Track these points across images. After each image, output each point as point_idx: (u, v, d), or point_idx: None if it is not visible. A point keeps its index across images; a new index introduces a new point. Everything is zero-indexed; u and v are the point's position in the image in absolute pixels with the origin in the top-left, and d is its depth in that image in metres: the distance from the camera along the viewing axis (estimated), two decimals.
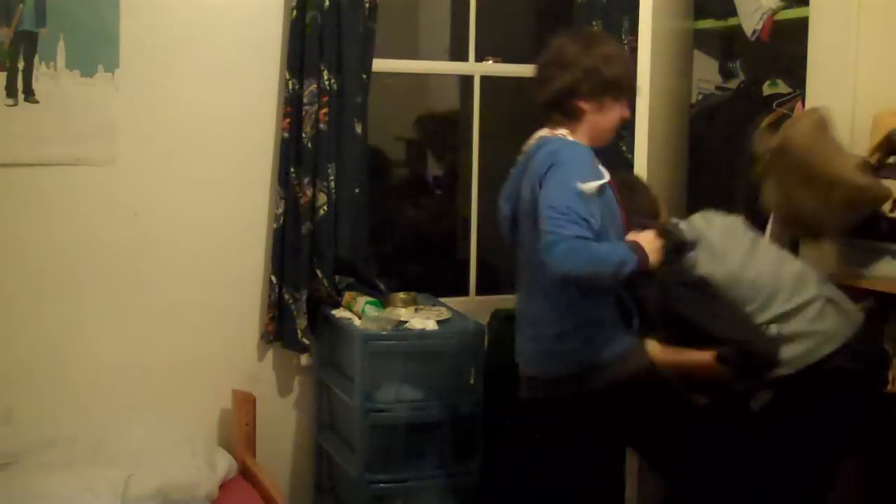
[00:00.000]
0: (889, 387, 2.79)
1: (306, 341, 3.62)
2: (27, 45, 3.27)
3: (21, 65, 3.27)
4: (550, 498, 2.67)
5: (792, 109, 3.46)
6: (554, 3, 4.33)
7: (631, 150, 3.54)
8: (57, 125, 3.33)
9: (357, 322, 3.43)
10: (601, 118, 2.65)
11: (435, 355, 3.38)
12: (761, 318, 2.66)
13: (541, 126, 2.69)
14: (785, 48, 3.57)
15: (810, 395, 2.65)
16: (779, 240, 3.35)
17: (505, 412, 3.03)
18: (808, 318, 2.66)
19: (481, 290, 4.09)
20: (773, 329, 2.63)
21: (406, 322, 3.39)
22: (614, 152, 3.87)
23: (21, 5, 3.25)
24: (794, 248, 3.30)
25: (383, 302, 3.56)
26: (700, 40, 3.92)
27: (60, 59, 3.31)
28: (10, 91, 3.27)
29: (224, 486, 3.27)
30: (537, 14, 4.81)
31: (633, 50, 3.62)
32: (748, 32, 3.51)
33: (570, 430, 2.60)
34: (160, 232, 3.52)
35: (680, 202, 3.77)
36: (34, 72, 3.28)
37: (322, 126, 3.53)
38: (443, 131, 5.09)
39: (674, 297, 2.63)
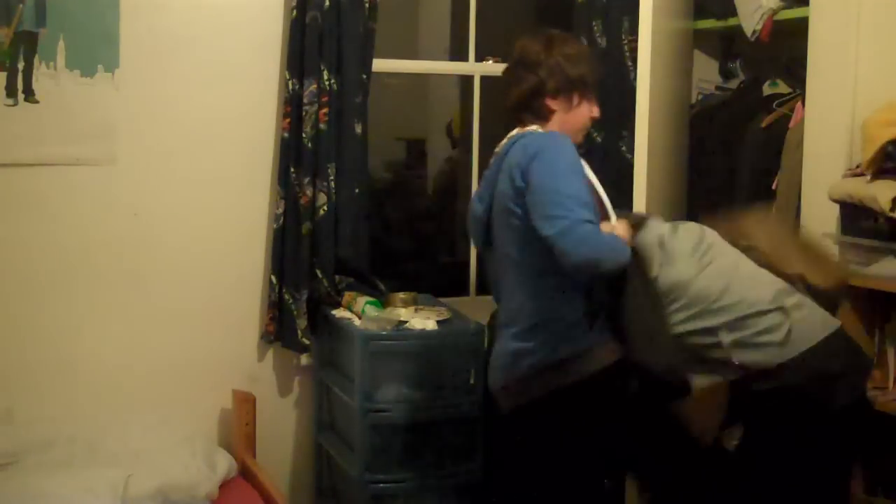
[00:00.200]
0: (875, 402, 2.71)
1: (306, 341, 3.62)
2: (27, 45, 3.27)
3: (21, 65, 3.27)
4: (550, 497, 2.66)
5: (792, 109, 3.46)
6: (554, 3, 4.33)
7: (631, 150, 3.54)
8: (57, 125, 3.33)
9: (357, 322, 3.43)
10: (570, 116, 2.66)
11: (435, 355, 3.38)
12: (711, 321, 2.55)
13: (511, 128, 2.69)
14: (785, 48, 3.57)
15: (781, 426, 2.53)
16: None
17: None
18: (761, 327, 2.54)
19: (481, 290, 4.09)
20: (724, 336, 2.54)
21: (406, 322, 3.39)
22: (614, 152, 3.88)
23: (21, 5, 3.25)
24: None
25: (383, 302, 3.56)
26: (700, 40, 3.92)
27: (60, 59, 3.31)
28: (10, 91, 3.27)
29: (224, 486, 3.27)
30: (537, 14, 4.81)
31: (633, 50, 3.63)
32: (748, 32, 3.51)
33: (554, 433, 2.58)
34: (160, 232, 3.52)
35: (680, 202, 3.77)
36: (34, 72, 3.28)
37: (322, 126, 3.53)
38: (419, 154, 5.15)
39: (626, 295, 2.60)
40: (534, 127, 2.62)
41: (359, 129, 3.61)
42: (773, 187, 3.42)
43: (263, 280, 3.65)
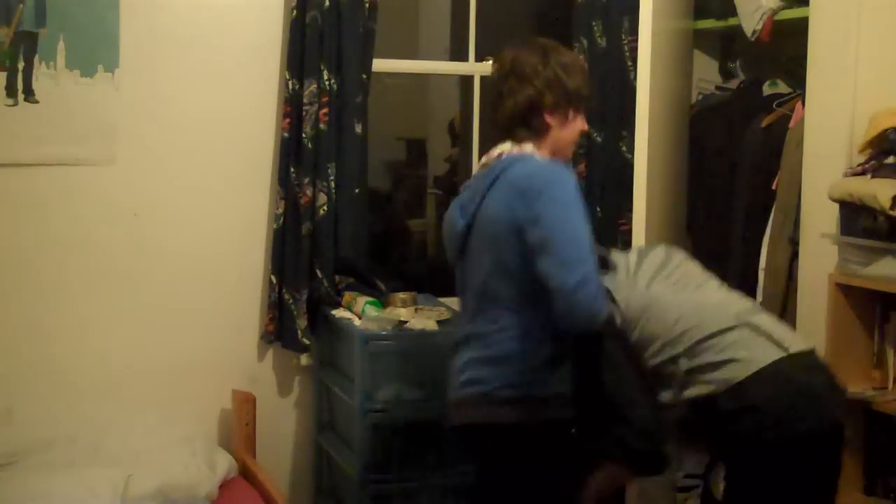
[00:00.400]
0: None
1: (306, 341, 3.62)
2: (27, 45, 3.27)
3: (21, 65, 3.27)
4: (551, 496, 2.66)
5: (792, 109, 3.46)
6: (554, 3, 4.33)
7: (631, 150, 3.54)
8: (57, 125, 3.33)
9: (357, 322, 3.43)
10: (565, 132, 2.53)
11: (435, 355, 3.37)
12: (670, 352, 2.50)
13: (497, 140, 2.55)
14: (785, 48, 3.56)
15: (759, 460, 2.43)
16: (780, 234, 3.37)
17: None
18: (722, 345, 2.47)
19: None
20: (684, 363, 2.48)
21: (406, 322, 3.39)
22: (614, 152, 3.88)
23: (21, 5, 3.25)
24: (793, 248, 3.31)
25: (383, 302, 3.56)
26: (700, 40, 3.92)
27: (60, 59, 3.31)
28: (10, 91, 3.27)
29: (224, 486, 3.27)
30: (537, 14, 4.81)
31: (633, 50, 3.62)
32: (748, 32, 3.51)
33: (491, 463, 2.54)
34: (160, 232, 3.52)
35: (680, 202, 3.78)
36: (34, 72, 3.28)
37: (322, 126, 3.53)
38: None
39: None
40: (530, 147, 2.49)
41: (359, 129, 3.61)
42: (773, 187, 3.42)
43: (263, 280, 3.65)
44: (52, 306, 3.40)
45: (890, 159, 2.85)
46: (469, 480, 3.36)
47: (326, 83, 3.52)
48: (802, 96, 3.22)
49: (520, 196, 2.38)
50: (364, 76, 3.62)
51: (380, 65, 3.73)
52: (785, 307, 3.36)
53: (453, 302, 3.78)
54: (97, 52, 3.36)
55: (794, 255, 3.30)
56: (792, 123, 3.41)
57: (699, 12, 3.80)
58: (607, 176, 3.86)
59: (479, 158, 4.00)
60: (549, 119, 2.50)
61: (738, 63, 3.97)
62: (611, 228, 3.89)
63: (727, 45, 4.00)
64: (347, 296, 3.60)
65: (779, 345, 2.48)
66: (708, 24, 3.79)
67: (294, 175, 3.55)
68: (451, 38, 4.81)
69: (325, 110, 3.53)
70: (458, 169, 4.59)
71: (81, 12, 3.32)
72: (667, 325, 2.51)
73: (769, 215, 3.43)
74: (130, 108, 3.42)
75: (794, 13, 3.37)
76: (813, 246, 3.08)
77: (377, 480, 3.32)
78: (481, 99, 4.01)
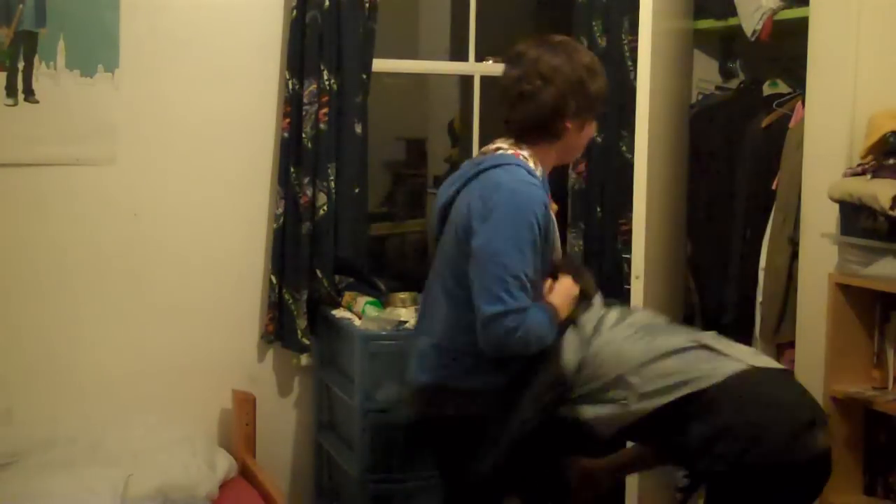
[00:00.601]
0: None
1: (306, 341, 3.62)
2: (27, 45, 3.27)
3: (21, 65, 3.27)
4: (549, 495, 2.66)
5: (792, 109, 3.46)
6: (554, 3, 4.33)
7: (631, 150, 3.54)
8: (57, 125, 3.33)
9: (357, 322, 3.43)
10: (578, 137, 2.49)
11: None
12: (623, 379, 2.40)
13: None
14: (785, 48, 3.56)
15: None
16: (780, 234, 3.37)
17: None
18: (676, 366, 2.37)
19: None
20: (634, 380, 2.37)
21: (406, 322, 3.39)
22: (614, 152, 3.88)
23: (21, 5, 3.25)
24: (793, 248, 3.31)
25: (383, 302, 3.56)
26: (700, 40, 3.92)
27: (60, 59, 3.31)
28: (10, 91, 3.27)
29: (224, 486, 3.27)
30: (537, 14, 4.81)
31: (633, 50, 3.62)
32: (748, 32, 3.51)
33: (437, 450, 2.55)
34: (160, 232, 3.52)
35: (680, 202, 3.78)
36: (34, 72, 3.28)
37: (322, 126, 3.53)
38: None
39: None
40: (526, 152, 2.43)
41: (359, 128, 3.61)
42: (773, 187, 3.43)
43: (263, 280, 3.65)
44: (52, 306, 3.40)
45: (890, 160, 2.85)
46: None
47: (326, 83, 3.52)
48: (802, 96, 3.22)
49: (480, 202, 2.36)
50: (364, 76, 3.62)
51: (380, 65, 3.73)
52: (785, 307, 3.36)
53: None
54: (97, 52, 3.36)
55: (794, 255, 3.30)
56: (792, 123, 3.41)
57: (699, 12, 3.80)
58: (607, 176, 3.86)
59: None
60: (568, 124, 2.43)
61: (738, 63, 3.97)
62: (611, 228, 3.89)
63: (727, 45, 4.00)
64: (347, 296, 3.60)
65: (740, 360, 2.39)
66: (708, 24, 3.79)
67: (294, 175, 3.55)
68: (451, 38, 4.82)
69: (325, 110, 3.53)
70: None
71: (81, 12, 3.32)
72: (620, 362, 2.41)
73: (769, 215, 3.44)
74: (130, 108, 3.42)
75: (794, 13, 3.37)
76: (813, 246, 3.08)
77: (377, 480, 3.32)
78: (481, 99, 4.01)
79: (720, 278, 3.71)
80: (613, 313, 2.52)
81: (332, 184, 3.57)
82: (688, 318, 3.88)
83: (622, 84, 3.84)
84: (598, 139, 3.86)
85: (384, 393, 3.30)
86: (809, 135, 3.12)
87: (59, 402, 3.40)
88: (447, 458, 2.53)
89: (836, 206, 2.94)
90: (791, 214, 3.32)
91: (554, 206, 2.53)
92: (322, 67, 3.51)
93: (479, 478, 2.45)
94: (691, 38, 3.86)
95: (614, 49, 3.86)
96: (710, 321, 3.81)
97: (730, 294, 3.66)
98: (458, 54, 4.21)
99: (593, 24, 3.85)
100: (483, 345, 2.32)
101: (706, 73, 4.02)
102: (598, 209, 3.89)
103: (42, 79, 3.29)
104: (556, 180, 3.14)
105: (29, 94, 3.29)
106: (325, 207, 3.56)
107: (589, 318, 2.49)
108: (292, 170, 3.55)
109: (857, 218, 2.88)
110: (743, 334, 3.58)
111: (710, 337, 2.48)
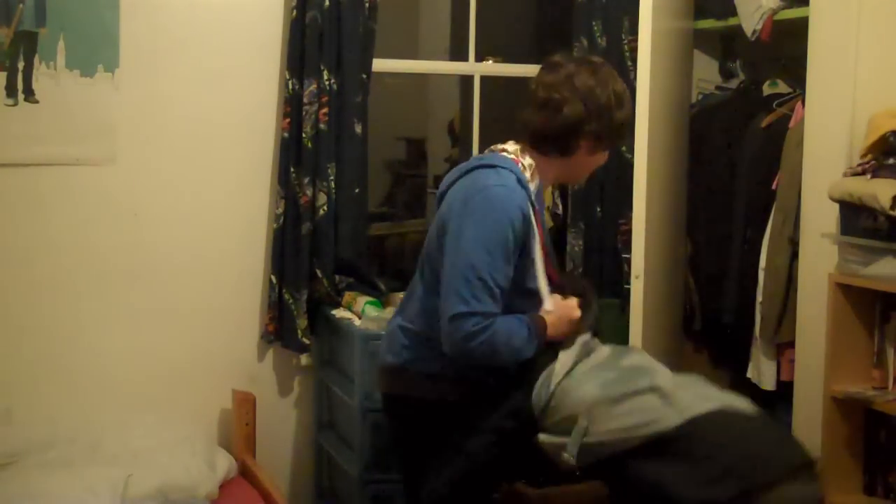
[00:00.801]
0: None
1: (306, 341, 3.62)
2: (27, 45, 3.27)
3: (21, 65, 3.27)
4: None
5: (792, 109, 3.46)
6: (554, 3, 4.33)
7: (631, 150, 3.53)
8: (57, 125, 3.33)
9: (357, 322, 3.43)
10: (587, 161, 2.48)
11: None
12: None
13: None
14: (785, 48, 3.57)
15: None
16: (780, 234, 3.37)
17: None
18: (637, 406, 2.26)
19: None
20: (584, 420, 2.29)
21: None
22: (614, 152, 3.87)
23: (21, 5, 3.25)
24: (793, 248, 3.31)
25: (383, 302, 3.56)
26: (700, 40, 3.93)
27: (60, 59, 3.31)
28: (10, 91, 3.26)
29: (224, 486, 3.27)
30: (537, 14, 4.81)
31: (633, 50, 3.62)
32: (748, 32, 3.52)
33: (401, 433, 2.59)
34: (160, 232, 3.52)
35: (680, 202, 3.78)
36: (34, 72, 3.28)
37: (322, 126, 3.53)
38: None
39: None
40: (525, 163, 2.42)
41: (359, 128, 3.61)
42: (773, 187, 3.43)
43: (263, 280, 3.65)
44: (52, 306, 3.40)
45: (890, 160, 2.85)
46: None
47: (326, 83, 3.52)
48: (802, 96, 3.22)
49: (462, 199, 2.37)
50: (364, 76, 3.62)
51: (380, 65, 3.73)
52: (785, 307, 3.37)
53: None
54: (97, 52, 3.36)
55: (794, 255, 3.30)
56: (792, 123, 3.41)
57: (699, 12, 3.81)
58: (607, 176, 3.86)
59: None
60: (582, 144, 2.43)
61: (738, 63, 3.97)
62: (611, 228, 3.89)
63: (727, 45, 4.01)
64: (347, 296, 3.60)
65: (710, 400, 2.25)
66: (708, 24, 3.79)
67: (294, 175, 3.55)
68: (451, 38, 4.82)
69: (325, 110, 3.53)
70: None
71: (81, 12, 3.32)
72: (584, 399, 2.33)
73: (769, 215, 3.44)
74: (130, 108, 3.42)
75: (794, 13, 3.38)
76: (813, 246, 3.08)
77: (377, 480, 3.32)
78: (481, 99, 4.01)
79: (720, 278, 3.71)
80: (604, 351, 2.46)
81: (332, 184, 3.57)
82: (688, 318, 3.89)
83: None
84: None
85: None
86: (809, 135, 3.12)
87: (59, 402, 3.39)
88: (405, 436, 2.59)
89: (836, 206, 2.94)
90: (791, 214, 3.32)
91: (549, 223, 2.50)
92: (322, 67, 3.51)
93: (435, 497, 2.47)
94: (691, 38, 3.86)
95: (614, 49, 3.86)
96: (710, 321, 3.82)
97: (730, 294, 3.66)
98: (458, 54, 4.21)
99: (593, 24, 3.85)
100: (444, 345, 2.33)
101: (706, 73, 4.02)
102: (598, 209, 3.89)
103: (42, 79, 3.29)
104: None
105: (29, 94, 3.29)
106: (325, 207, 3.56)
107: (568, 356, 2.42)
108: (292, 170, 3.55)
109: (857, 218, 2.88)
110: (743, 334, 3.59)
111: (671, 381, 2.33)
